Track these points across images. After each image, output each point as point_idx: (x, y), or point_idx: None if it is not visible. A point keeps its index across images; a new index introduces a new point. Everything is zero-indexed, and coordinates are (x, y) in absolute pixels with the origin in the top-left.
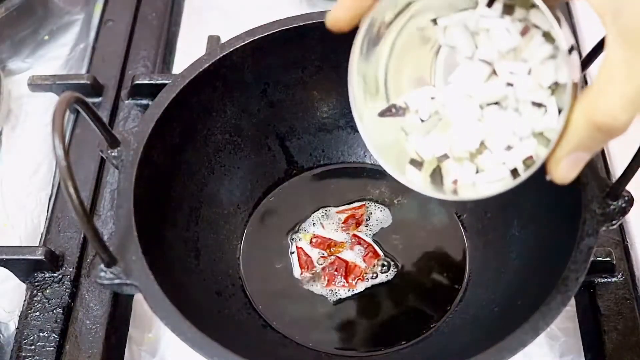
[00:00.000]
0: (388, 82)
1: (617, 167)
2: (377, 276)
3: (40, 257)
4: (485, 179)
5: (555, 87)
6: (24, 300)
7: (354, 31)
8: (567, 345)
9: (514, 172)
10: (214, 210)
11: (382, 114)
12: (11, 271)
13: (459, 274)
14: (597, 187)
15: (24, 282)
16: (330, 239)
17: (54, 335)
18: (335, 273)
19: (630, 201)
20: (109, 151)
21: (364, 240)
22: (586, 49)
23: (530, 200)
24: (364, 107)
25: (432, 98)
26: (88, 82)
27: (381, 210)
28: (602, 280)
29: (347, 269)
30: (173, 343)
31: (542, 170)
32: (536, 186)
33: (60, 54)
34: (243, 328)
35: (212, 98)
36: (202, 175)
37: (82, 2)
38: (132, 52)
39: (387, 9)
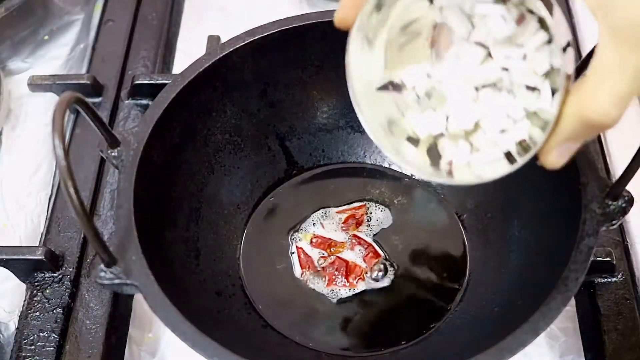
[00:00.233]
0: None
1: (617, 167)
2: (378, 280)
3: (40, 257)
4: (480, 160)
5: (550, 70)
6: (24, 300)
7: None
8: (567, 345)
9: (510, 158)
10: (214, 210)
11: (381, 88)
12: (11, 271)
13: (459, 274)
14: (597, 187)
15: (24, 282)
16: (330, 239)
17: (54, 335)
18: (336, 273)
19: (630, 201)
20: (109, 151)
21: (364, 241)
22: (586, 47)
23: (530, 200)
24: (361, 86)
25: (429, 76)
26: (88, 82)
27: (382, 211)
28: (602, 280)
29: (348, 269)
30: (173, 343)
31: (541, 170)
32: (536, 186)
33: (60, 54)
34: (243, 328)
35: (212, 98)
36: (202, 175)
37: (82, 2)
38: (132, 52)
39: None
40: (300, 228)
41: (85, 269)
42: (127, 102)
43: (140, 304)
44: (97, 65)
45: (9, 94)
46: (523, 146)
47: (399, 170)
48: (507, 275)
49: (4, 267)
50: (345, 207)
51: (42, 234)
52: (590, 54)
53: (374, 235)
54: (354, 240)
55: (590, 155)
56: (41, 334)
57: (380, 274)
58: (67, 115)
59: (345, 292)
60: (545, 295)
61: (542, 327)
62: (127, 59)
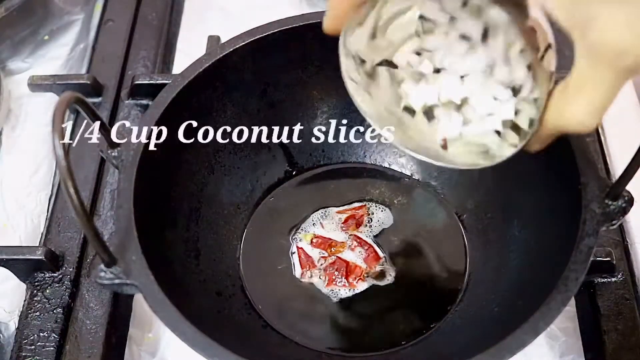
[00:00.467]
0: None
1: (617, 167)
2: (378, 279)
3: (40, 257)
4: (472, 132)
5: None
6: (24, 300)
7: None
8: (567, 345)
9: (500, 134)
10: (214, 210)
11: (378, 65)
12: (11, 271)
13: (459, 274)
14: (597, 187)
15: (24, 282)
16: (330, 239)
17: (54, 335)
18: (336, 273)
19: (630, 201)
20: (109, 151)
21: (365, 241)
22: None
23: (530, 200)
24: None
25: (419, 54)
26: (88, 82)
27: (382, 211)
28: (602, 280)
29: (348, 269)
30: (173, 343)
31: (541, 170)
32: (536, 186)
33: (60, 54)
34: (243, 328)
35: (212, 98)
36: (202, 175)
37: (82, 2)
38: (132, 52)
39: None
40: (301, 228)
41: (85, 269)
42: (127, 102)
43: (140, 304)
44: (97, 65)
45: (9, 94)
46: (517, 134)
47: (399, 171)
48: (507, 275)
49: (4, 267)
50: (346, 207)
51: (42, 234)
52: None
53: (375, 235)
54: (354, 241)
55: (590, 155)
56: (41, 334)
57: (380, 275)
58: (67, 115)
59: (345, 292)
60: (545, 295)
61: (542, 327)
62: (127, 59)
